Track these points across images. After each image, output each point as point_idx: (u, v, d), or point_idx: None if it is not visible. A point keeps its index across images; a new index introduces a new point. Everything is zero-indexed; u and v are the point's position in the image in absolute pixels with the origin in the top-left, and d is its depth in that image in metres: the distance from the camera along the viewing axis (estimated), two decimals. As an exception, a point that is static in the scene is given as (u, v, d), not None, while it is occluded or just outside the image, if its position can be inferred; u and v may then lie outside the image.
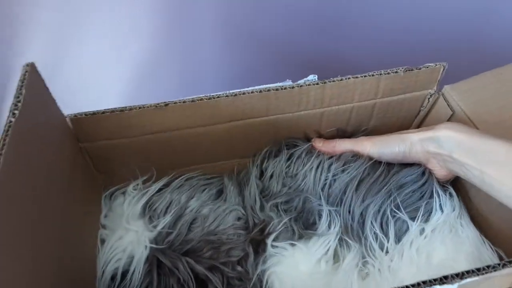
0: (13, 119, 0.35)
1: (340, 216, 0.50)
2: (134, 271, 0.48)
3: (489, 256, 0.45)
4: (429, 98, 0.56)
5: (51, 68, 0.66)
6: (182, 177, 0.56)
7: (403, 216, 0.49)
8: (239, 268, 0.48)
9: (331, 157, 0.53)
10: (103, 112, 0.48)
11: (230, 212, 0.52)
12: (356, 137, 0.55)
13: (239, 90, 0.50)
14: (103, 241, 0.51)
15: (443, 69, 0.53)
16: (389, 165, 0.52)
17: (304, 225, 0.51)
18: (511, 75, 0.54)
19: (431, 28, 0.72)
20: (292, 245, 0.48)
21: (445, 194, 0.51)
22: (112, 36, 0.68)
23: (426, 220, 0.49)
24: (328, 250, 0.47)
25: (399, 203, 0.49)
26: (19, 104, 0.36)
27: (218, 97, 0.49)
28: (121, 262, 0.49)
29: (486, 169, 0.42)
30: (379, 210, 0.49)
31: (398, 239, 0.48)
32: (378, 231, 0.48)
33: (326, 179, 0.52)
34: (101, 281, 0.48)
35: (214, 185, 0.56)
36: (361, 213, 0.50)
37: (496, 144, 0.42)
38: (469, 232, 0.47)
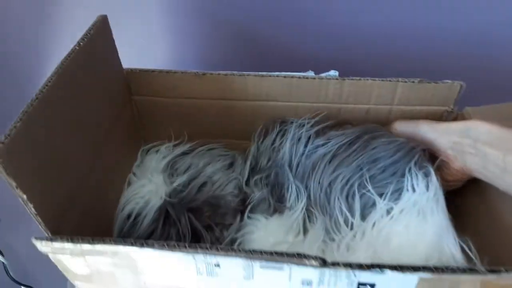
0: (77, 47, 0.46)
1: (307, 189, 0.52)
2: (146, 215, 0.55)
3: (449, 247, 0.45)
4: (446, 115, 0.58)
5: None
6: (205, 146, 0.64)
7: (370, 191, 0.49)
8: (225, 232, 0.54)
9: (316, 131, 0.56)
10: (153, 70, 0.58)
11: (232, 180, 0.58)
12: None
13: (266, 73, 0.57)
14: (129, 184, 0.60)
15: (461, 88, 0.55)
16: (372, 139, 0.53)
17: (278, 198, 0.54)
18: None
19: (451, 45, 0.73)
20: (266, 218, 0.52)
21: (419, 173, 0.50)
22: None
23: (396, 199, 0.49)
24: (293, 223, 0.50)
25: (368, 178, 0.49)
26: (86, 39, 0.47)
27: (248, 75, 0.57)
28: (138, 205, 0.56)
29: (510, 158, 0.42)
30: (346, 183, 0.50)
31: (363, 215, 0.49)
32: (343, 205, 0.49)
33: (303, 153, 0.55)
34: (119, 215, 0.56)
35: (230, 157, 0.63)
36: (329, 184, 0.51)
37: None
38: (437, 218, 0.47)
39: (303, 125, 0.57)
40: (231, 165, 0.62)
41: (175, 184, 0.58)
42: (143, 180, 0.59)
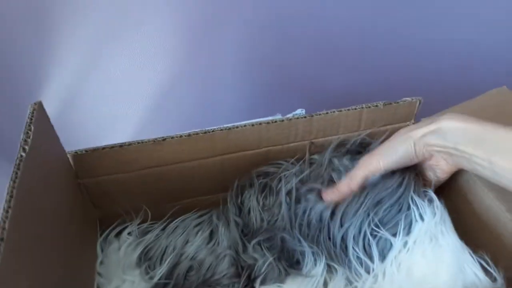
0: (23, 154, 0.37)
1: (319, 247, 0.49)
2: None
3: (469, 266, 0.45)
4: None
5: (79, 81, 0.73)
6: (176, 221, 0.56)
7: (385, 234, 0.48)
8: None
9: (303, 182, 0.53)
10: (103, 148, 0.50)
11: (224, 257, 0.51)
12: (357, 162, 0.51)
13: (232, 124, 0.53)
14: (99, 290, 0.50)
15: (419, 103, 0.57)
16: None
17: (289, 263, 0.49)
18: (478, 107, 0.58)
19: (407, 63, 0.79)
20: (279, 286, 0.48)
21: (424, 201, 0.49)
22: (138, 55, 0.73)
23: (408, 233, 0.48)
24: (314, 284, 0.47)
25: (378, 221, 0.48)
26: (29, 140, 0.38)
27: (213, 131, 0.52)
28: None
29: (496, 159, 0.39)
30: (359, 232, 0.48)
31: (382, 257, 0.48)
32: (361, 254, 0.48)
33: (304, 212, 0.51)
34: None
35: (207, 224, 0.56)
36: (342, 237, 0.49)
37: (505, 131, 0.39)
38: (449, 239, 0.47)
39: (288, 178, 0.53)
40: (212, 235, 0.55)
41: (156, 279, 0.50)
42: (114, 281, 0.50)
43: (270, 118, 0.55)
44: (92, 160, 0.50)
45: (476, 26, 0.80)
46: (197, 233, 0.54)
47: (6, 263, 0.29)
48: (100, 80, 0.74)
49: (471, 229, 0.51)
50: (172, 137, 0.51)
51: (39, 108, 0.42)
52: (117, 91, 0.76)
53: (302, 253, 0.49)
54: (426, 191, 0.51)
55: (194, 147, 0.53)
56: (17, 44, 0.68)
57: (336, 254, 0.49)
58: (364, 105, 0.56)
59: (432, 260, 0.46)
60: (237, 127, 0.53)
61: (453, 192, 0.53)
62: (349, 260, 0.48)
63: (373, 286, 0.46)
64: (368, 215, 0.48)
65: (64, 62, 0.70)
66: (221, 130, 0.52)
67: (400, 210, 0.49)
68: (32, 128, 0.39)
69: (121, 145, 0.50)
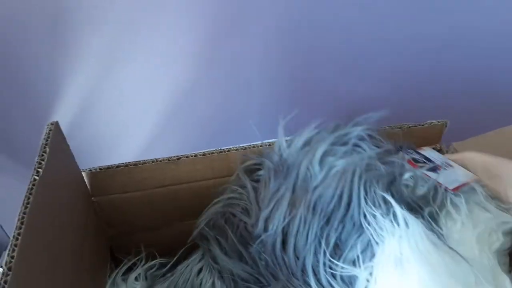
0: (37, 177, 0.36)
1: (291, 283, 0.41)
2: None
3: None
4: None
5: (95, 88, 0.73)
6: (183, 265, 0.52)
7: (344, 269, 0.39)
8: None
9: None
10: (117, 166, 0.49)
11: None
12: None
13: (248, 144, 0.52)
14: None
15: (445, 125, 0.55)
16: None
17: None
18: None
19: (431, 84, 0.77)
20: None
21: (376, 212, 0.38)
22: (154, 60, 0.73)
23: (372, 257, 0.38)
24: None
25: (333, 247, 0.39)
26: (43, 162, 0.38)
27: (228, 150, 0.51)
28: None
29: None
30: (317, 262, 0.40)
31: None
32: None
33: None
34: None
35: (208, 272, 0.50)
36: (302, 272, 0.41)
37: None
38: (423, 261, 0.35)
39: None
40: (213, 285, 0.49)
41: None
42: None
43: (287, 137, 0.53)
44: (106, 178, 0.50)
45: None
46: (200, 284, 0.49)
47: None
48: (115, 89, 0.75)
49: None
50: (187, 156, 0.51)
51: (56, 129, 0.42)
52: (132, 100, 0.77)
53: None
54: (382, 194, 0.39)
55: (209, 166, 0.52)
56: (34, 57, 0.69)
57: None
58: (387, 126, 0.54)
59: None
60: (253, 146, 0.52)
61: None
62: None
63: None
64: (320, 242, 0.40)
65: (81, 70, 0.71)
66: (237, 149, 0.51)
67: (353, 226, 0.39)
68: (48, 149, 0.39)
69: (135, 164, 0.49)
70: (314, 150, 0.45)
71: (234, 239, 0.45)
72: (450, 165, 0.48)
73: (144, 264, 0.52)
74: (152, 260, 0.53)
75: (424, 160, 0.48)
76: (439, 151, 0.56)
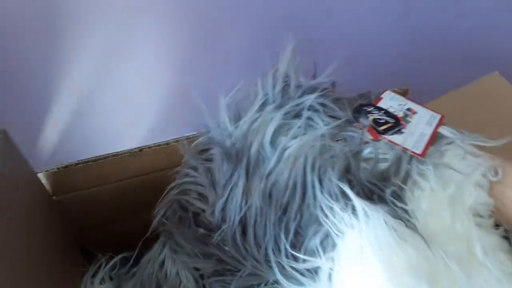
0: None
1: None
2: None
3: None
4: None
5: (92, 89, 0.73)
6: (145, 258, 0.51)
7: (306, 261, 0.37)
8: None
9: None
10: (76, 163, 0.47)
11: None
12: None
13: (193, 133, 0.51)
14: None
15: (407, 93, 0.56)
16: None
17: None
18: (471, 95, 0.56)
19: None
20: None
21: (332, 202, 0.36)
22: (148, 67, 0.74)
23: (334, 246, 0.36)
24: None
25: (294, 237, 0.37)
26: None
27: (193, 137, 0.50)
28: None
29: None
30: (279, 251, 0.38)
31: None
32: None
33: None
34: None
35: (171, 263, 0.48)
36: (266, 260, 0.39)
37: None
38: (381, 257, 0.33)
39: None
40: (178, 275, 0.48)
41: None
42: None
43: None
44: (66, 176, 0.48)
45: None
46: (165, 275, 0.48)
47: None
48: (110, 88, 0.74)
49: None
50: (150, 147, 0.49)
51: (4, 137, 0.39)
52: (125, 100, 0.76)
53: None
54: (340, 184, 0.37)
55: (172, 155, 0.51)
56: (30, 58, 0.68)
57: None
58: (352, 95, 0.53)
59: None
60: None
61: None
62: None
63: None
64: (279, 232, 0.38)
65: (74, 73, 0.71)
66: (199, 136, 0.50)
67: (311, 216, 0.38)
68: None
69: (95, 159, 0.48)
70: (263, 129, 0.42)
71: (194, 230, 0.43)
72: (413, 111, 0.46)
73: (105, 266, 0.51)
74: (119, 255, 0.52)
75: (386, 118, 0.45)
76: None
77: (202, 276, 0.46)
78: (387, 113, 0.45)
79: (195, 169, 0.45)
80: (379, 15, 0.76)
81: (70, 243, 0.52)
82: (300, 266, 0.37)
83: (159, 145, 0.49)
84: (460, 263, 0.36)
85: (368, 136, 0.42)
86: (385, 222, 0.35)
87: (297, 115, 0.44)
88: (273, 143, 0.41)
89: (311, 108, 0.44)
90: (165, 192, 0.47)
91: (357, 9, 0.75)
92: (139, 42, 0.71)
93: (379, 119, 0.44)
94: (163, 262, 0.48)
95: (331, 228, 0.36)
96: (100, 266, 0.51)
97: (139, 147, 0.49)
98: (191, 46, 0.73)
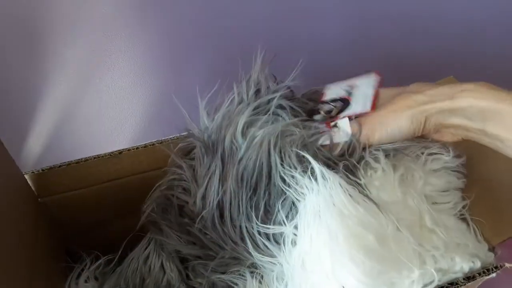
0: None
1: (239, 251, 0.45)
2: None
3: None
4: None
5: (74, 98, 0.76)
6: (129, 256, 0.54)
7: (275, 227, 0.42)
8: None
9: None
10: (60, 165, 0.50)
11: None
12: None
13: (175, 136, 0.54)
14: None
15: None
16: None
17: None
18: None
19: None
20: None
21: (304, 174, 0.41)
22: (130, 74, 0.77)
23: (296, 214, 0.41)
24: None
25: (264, 212, 0.42)
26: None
27: (171, 139, 0.53)
28: None
29: None
30: (252, 228, 0.42)
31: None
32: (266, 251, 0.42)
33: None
34: None
35: (155, 256, 0.52)
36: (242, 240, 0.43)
37: None
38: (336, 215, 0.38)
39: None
40: (163, 267, 0.51)
41: None
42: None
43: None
44: (50, 178, 0.51)
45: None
46: (149, 269, 0.51)
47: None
48: (92, 95, 0.77)
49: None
50: (129, 149, 0.52)
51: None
52: (106, 107, 0.79)
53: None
54: (299, 153, 0.42)
55: (152, 157, 0.54)
56: (14, 65, 0.72)
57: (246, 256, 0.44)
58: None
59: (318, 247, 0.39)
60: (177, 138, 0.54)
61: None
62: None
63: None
64: (251, 211, 0.43)
65: (58, 80, 0.74)
66: (177, 138, 0.53)
67: (277, 192, 0.42)
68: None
69: (77, 162, 0.51)
70: (235, 122, 0.46)
71: (178, 220, 0.47)
72: (353, 86, 0.49)
73: (90, 266, 0.53)
74: (104, 256, 0.55)
75: (334, 105, 0.48)
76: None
77: (186, 267, 0.50)
78: (333, 100, 0.49)
79: (180, 167, 0.49)
80: (339, 23, 0.81)
81: (56, 244, 0.54)
82: (270, 238, 0.41)
83: (137, 148, 0.52)
84: (410, 230, 0.38)
85: (324, 128, 0.46)
86: (340, 185, 0.39)
87: (266, 113, 0.48)
88: (244, 134, 0.46)
89: (278, 106, 0.48)
90: (153, 189, 0.51)
91: (315, 16, 0.80)
92: (120, 51, 0.74)
93: (328, 110, 0.48)
94: (147, 258, 0.51)
95: (293, 195, 0.40)
96: (85, 266, 0.54)
97: (119, 150, 0.52)
98: (170, 55, 0.77)
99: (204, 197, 0.45)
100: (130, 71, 0.77)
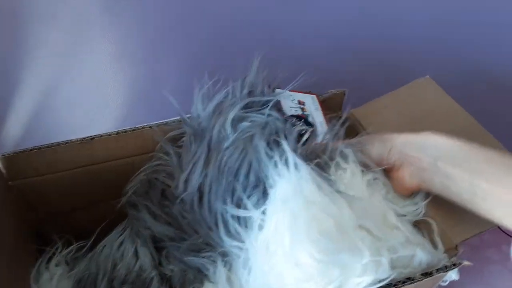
0: None
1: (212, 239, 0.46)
2: None
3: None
4: (335, 121, 0.62)
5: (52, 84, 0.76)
6: (100, 245, 0.54)
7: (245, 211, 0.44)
8: None
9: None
10: (31, 149, 0.51)
11: (152, 279, 0.50)
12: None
13: (161, 121, 0.54)
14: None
15: (344, 94, 0.60)
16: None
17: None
18: (405, 96, 0.60)
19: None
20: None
21: (279, 163, 0.43)
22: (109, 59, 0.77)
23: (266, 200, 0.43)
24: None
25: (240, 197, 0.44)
26: None
27: (143, 128, 0.54)
28: None
29: (479, 181, 0.37)
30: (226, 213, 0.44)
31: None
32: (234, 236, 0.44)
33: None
34: None
35: (129, 242, 0.53)
36: (216, 224, 0.45)
37: (491, 153, 0.38)
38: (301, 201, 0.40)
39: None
40: (136, 253, 0.52)
41: None
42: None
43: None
44: (21, 161, 0.51)
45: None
46: (122, 255, 0.52)
47: None
48: (72, 81, 0.77)
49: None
50: (101, 136, 0.53)
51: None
52: (90, 90, 0.79)
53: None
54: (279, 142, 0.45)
55: (124, 145, 0.54)
56: None
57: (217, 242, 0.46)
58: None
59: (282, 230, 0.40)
60: (166, 123, 0.54)
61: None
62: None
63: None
64: (227, 196, 0.45)
65: (36, 65, 0.73)
66: (150, 127, 0.54)
67: (255, 179, 0.45)
68: None
69: (48, 146, 0.51)
70: (226, 114, 0.48)
71: (159, 200, 0.50)
72: (302, 103, 0.55)
73: (61, 251, 0.54)
74: (76, 242, 0.55)
75: (303, 128, 0.52)
76: (339, 118, 0.61)
77: (160, 254, 0.51)
78: (294, 116, 0.53)
79: (167, 154, 0.52)
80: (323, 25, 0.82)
81: (26, 228, 0.55)
82: (241, 223, 0.44)
83: (109, 135, 0.53)
84: (373, 224, 0.40)
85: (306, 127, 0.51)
86: (311, 176, 0.42)
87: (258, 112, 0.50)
88: (234, 126, 0.48)
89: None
90: (137, 173, 0.53)
91: (300, 20, 0.80)
92: (102, 35, 0.74)
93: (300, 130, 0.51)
94: (121, 244, 0.53)
95: (267, 178, 0.44)
96: (56, 250, 0.54)
97: (91, 136, 0.52)
98: (153, 40, 0.77)
99: (186, 181, 0.47)
100: (112, 55, 0.76)
